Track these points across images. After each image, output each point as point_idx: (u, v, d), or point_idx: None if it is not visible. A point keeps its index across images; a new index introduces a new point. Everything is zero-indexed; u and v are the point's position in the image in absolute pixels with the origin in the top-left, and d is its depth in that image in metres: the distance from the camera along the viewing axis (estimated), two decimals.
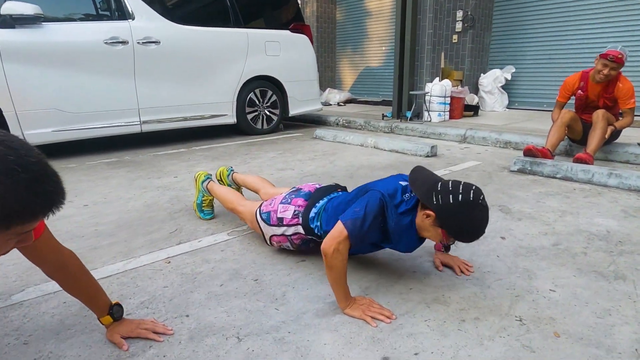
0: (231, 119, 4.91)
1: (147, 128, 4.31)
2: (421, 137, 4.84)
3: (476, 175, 3.08)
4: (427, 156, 3.71)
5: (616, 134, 3.33)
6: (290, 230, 1.69)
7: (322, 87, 9.81)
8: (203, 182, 2.20)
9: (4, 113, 3.53)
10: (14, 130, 3.58)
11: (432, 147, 3.74)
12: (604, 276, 1.58)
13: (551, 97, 6.58)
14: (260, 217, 1.77)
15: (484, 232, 1.32)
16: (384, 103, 8.82)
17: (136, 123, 4.22)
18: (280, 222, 1.70)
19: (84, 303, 1.22)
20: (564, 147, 3.67)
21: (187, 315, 1.36)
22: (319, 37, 9.65)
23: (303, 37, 5.44)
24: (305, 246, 1.73)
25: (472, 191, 1.29)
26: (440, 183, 1.33)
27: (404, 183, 1.46)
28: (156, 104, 4.31)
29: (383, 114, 6.35)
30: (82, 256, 1.74)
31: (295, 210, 1.69)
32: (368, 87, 9.46)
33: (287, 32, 5.29)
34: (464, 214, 1.27)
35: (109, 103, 4.03)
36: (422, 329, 1.28)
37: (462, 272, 1.61)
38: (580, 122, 3.42)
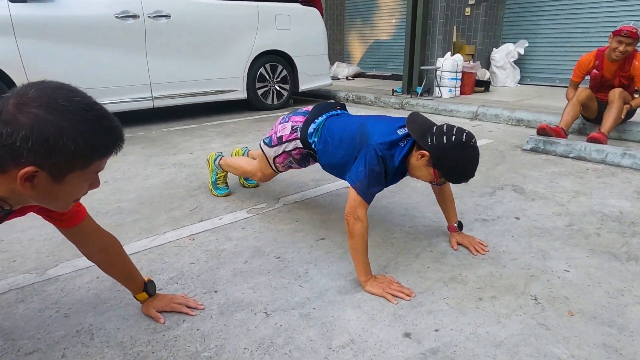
0: (242, 94, 4.90)
1: (159, 103, 4.32)
2: (432, 113, 4.82)
3: (488, 154, 3.09)
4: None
5: (631, 112, 3.31)
6: (290, 146, 1.78)
7: (331, 61, 9.68)
8: (215, 160, 2.29)
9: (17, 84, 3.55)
10: None
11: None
12: (616, 257, 1.63)
13: (565, 72, 6.48)
14: (264, 143, 1.90)
15: (473, 174, 1.41)
16: (393, 77, 8.72)
17: (148, 98, 4.24)
18: (280, 140, 1.81)
19: (119, 282, 1.28)
20: (577, 126, 3.65)
21: (216, 291, 1.43)
22: (328, 9, 9.46)
23: (313, 11, 5.35)
24: (306, 162, 1.85)
25: (464, 133, 1.38)
26: (435, 127, 1.44)
27: (400, 132, 1.50)
28: (168, 79, 4.31)
29: (393, 90, 6.30)
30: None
31: (293, 126, 1.78)
32: (377, 60, 9.33)
33: (298, 5, 5.20)
34: (457, 153, 1.35)
35: (121, 78, 4.04)
36: (441, 306, 1.34)
37: (477, 251, 1.66)
38: (596, 101, 3.39)
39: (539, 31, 6.68)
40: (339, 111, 1.81)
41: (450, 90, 5.94)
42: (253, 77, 4.93)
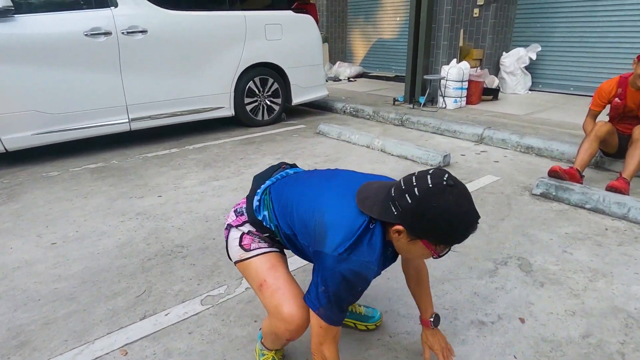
0: (228, 111, 4.56)
1: (136, 126, 4.00)
2: (434, 133, 4.44)
3: (493, 200, 2.73)
4: (439, 166, 3.35)
5: None
6: (244, 228, 1.32)
7: (332, 60, 9.27)
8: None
9: None
10: None
11: (445, 156, 3.37)
12: None
13: (580, 80, 6.02)
14: (228, 255, 1.38)
15: (473, 217, 1.02)
16: (397, 79, 8.30)
17: (124, 121, 3.91)
18: (229, 227, 1.36)
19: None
20: (594, 159, 3.27)
21: None
22: (329, 6, 9.01)
23: (307, 18, 4.95)
24: (286, 245, 1.33)
25: (429, 176, 1.02)
26: (393, 187, 1.08)
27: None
28: (146, 100, 3.98)
29: (394, 99, 5.91)
30: (30, 337, 1.51)
31: (237, 209, 1.36)
32: (380, 60, 8.89)
33: (290, 12, 4.81)
34: (432, 207, 0.99)
35: (94, 101, 3.72)
36: None
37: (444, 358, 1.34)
38: (616, 135, 3.00)
39: (553, 34, 6.20)
40: (288, 170, 1.41)
41: (456, 101, 5.55)
42: (241, 92, 4.58)
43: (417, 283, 1.40)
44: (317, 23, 5.09)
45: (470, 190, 2.85)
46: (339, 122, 5.12)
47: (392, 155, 3.70)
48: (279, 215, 1.25)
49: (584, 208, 2.58)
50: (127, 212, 2.64)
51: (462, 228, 1.00)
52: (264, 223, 1.28)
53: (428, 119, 4.55)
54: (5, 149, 3.43)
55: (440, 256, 1.08)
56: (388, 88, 7.45)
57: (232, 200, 2.77)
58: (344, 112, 5.54)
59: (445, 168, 3.26)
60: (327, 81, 7.39)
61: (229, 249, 1.35)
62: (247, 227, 1.32)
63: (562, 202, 2.67)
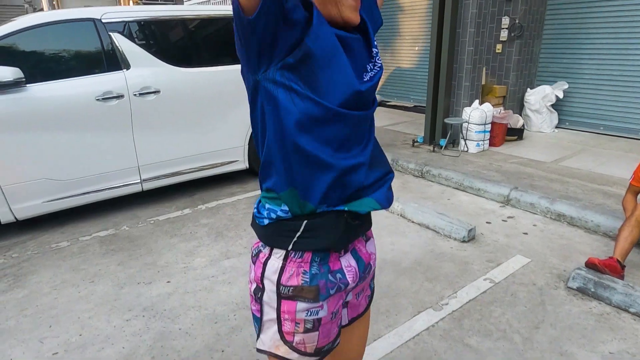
0: (242, 164, 4.44)
1: (148, 186, 3.91)
2: (456, 189, 4.22)
3: (525, 295, 2.52)
4: (463, 241, 3.14)
5: None
6: (268, 272, 0.94)
7: None
8: None
9: None
10: (0, 206, 3.26)
11: (470, 230, 3.16)
12: None
13: (611, 119, 5.72)
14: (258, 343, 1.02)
15: None
16: (416, 109, 8.10)
17: (136, 182, 3.83)
18: (256, 293, 0.98)
19: None
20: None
21: None
22: None
23: None
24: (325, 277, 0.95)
25: None
26: None
27: None
28: (158, 159, 3.89)
29: (414, 140, 5.71)
30: None
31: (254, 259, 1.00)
32: (399, 89, 8.71)
33: None
34: None
35: (105, 164, 3.64)
36: None
37: None
38: None
39: (581, 70, 5.93)
40: None
41: (478, 145, 5.33)
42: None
43: None
44: None
45: (497, 278, 2.66)
46: None
47: (413, 222, 3.50)
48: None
49: (628, 312, 2.34)
50: (134, 306, 2.51)
51: None
52: (276, 215, 0.91)
53: (450, 173, 4.34)
54: (16, 218, 3.37)
55: None
56: (407, 121, 7.27)
57: (243, 290, 2.62)
58: None
59: (469, 244, 3.06)
60: None
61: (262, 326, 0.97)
62: (268, 269, 0.93)
63: (602, 301, 2.43)
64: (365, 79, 0.90)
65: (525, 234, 3.28)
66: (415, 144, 5.70)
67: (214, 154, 4.21)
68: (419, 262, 2.91)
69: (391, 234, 3.33)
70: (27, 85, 3.23)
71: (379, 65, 0.96)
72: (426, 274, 2.76)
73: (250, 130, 4.37)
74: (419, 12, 7.86)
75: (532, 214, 3.62)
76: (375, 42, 0.99)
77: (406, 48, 8.35)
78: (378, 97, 8.66)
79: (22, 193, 3.33)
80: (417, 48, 8.14)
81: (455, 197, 4.05)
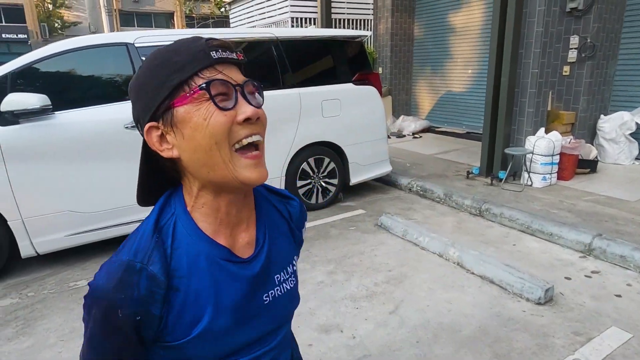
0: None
1: None
2: (523, 232, 3.62)
3: None
4: (539, 303, 2.56)
5: None
6: None
7: (396, 114, 8.69)
8: None
9: (9, 223, 3.02)
10: (21, 239, 3.07)
11: (547, 289, 2.57)
12: None
13: None
14: None
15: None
16: (468, 136, 7.50)
17: None
18: None
19: None
20: None
21: None
22: (393, 57, 8.51)
23: (369, 90, 4.43)
24: None
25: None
26: None
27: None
28: None
29: (468, 172, 5.15)
30: None
31: None
32: (449, 114, 8.15)
33: (350, 85, 4.32)
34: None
35: (132, 196, 3.37)
36: None
37: None
38: None
39: None
40: None
41: (545, 178, 4.68)
42: (293, 175, 4.10)
43: None
44: (381, 93, 4.56)
45: None
46: (403, 204, 4.46)
47: (473, 274, 2.95)
48: None
49: None
50: None
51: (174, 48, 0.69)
52: None
53: (514, 213, 3.75)
54: (37, 252, 3.16)
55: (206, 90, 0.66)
56: (459, 149, 6.69)
57: None
58: (410, 190, 4.87)
59: (546, 307, 2.47)
60: (389, 137, 6.80)
61: None
62: None
63: None
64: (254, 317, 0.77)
65: (618, 296, 2.64)
66: (470, 175, 5.13)
67: None
68: (484, 329, 2.36)
69: (447, 288, 2.80)
70: (54, 112, 3.07)
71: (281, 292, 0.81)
72: (494, 347, 2.21)
73: (289, 159, 4.05)
74: (472, 33, 7.36)
75: (623, 269, 2.96)
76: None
77: (458, 71, 7.83)
78: (426, 123, 8.17)
79: (44, 226, 3.13)
80: (470, 71, 7.61)
81: (522, 242, 3.45)
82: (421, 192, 4.71)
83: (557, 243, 3.38)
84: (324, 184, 4.34)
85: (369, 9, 8.72)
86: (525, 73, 4.81)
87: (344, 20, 8.49)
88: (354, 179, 4.47)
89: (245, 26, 9.67)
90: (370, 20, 8.77)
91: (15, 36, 22.24)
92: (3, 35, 21.63)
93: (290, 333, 0.90)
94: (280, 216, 0.85)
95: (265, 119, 0.72)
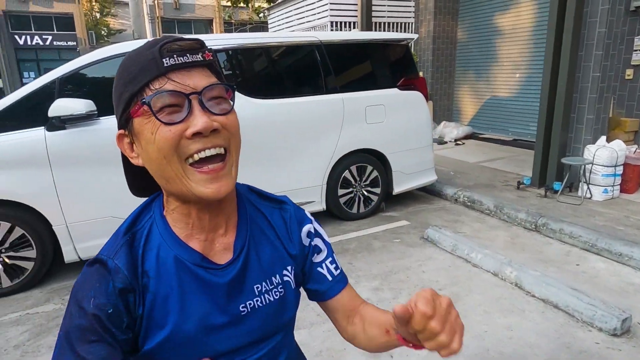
0: (319, 205, 3.94)
1: None
2: (586, 250, 3.31)
3: None
4: (614, 334, 2.28)
5: None
6: None
7: (437, 120, 8.40)
8: None
9: (53, 227, 3.03)
10: (65, 244, 3.07)
11: (624, 319, 2.29)
12: None
13: None
14: None
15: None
16: (515, 143, 7.13)
17: None
18: None
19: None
20: None
21: None
22: (435, 61, 8.24)
23: (415, 95, 4.23)
24: None
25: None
26: None
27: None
28: None
29: (519, 182, 4.84)
30: None
31: None
32: (494, 121, 7.79)
33: (395, 90, 4.14)
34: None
35: None
36: None
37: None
38: None
39: None
40: None
41: (606, 191, 4.32)
42: (334, 183, 3.95)
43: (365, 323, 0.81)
44: (427, 98, 4.34)
45: None
46: (450, 216, 4.22)
47: (534, 297, 2.69)
48: None
49: None
50: None
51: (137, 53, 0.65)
52: None
53: (576, 229, 3.44)
54: (80, 257, 3.16)
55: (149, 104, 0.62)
56: (505, 157, 6.35)
57: None
58: (456, 200, 4.61)
59: (625, 337, 2.20)
60: None
61: None
62: None
63: None
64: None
65: None
66: (521, 186, 4.81)
67: (289, 194, 3.76)
68: (548, 348, 2.12)
69: (505, 312, 2.56)
70: (100, 117, 3.06)
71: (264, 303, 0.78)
72: None
73: (330, 167, 3.91)
74: (521, 34, 6.99)
75: None
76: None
77: (504, 75, 7.47)
78: (468, 129, 7.84)
79: (87, 231, 3.12)
80: (517, 75, 7.23)
81: (587, 262, 3.15)
82: (468, 204, 4.45)
83: (627, 265, 3.05)
84: (366, 193, 4.17)
85: (411, 12, 8.49)
86: (585, 77, 4.46)
87: (384, 23, 8.30)
88: (398, 188, 4.27)
89: (284, 31, 9.65)
90: (412, 23, 8.53)
91: (65, 43, 23.33)
92: (54, 43, 22.74)
93: (289, 347, 0.85)
94: (268, 224, 0.81)
95: (233, 126, 0.67)
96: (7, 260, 2.98)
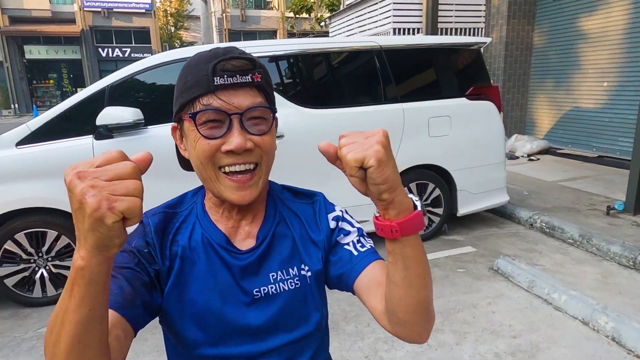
0: (370, 226, 3.59)
1: None
2: None
3: None
4: None
5: None
6: None
7: (508, 133, 7.70)
8: None
9: None
10: None
11: None
12: None
13: None
14: None
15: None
16: (601, 161, 6.30)
17: None
18: None
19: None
20: None
21: None
22: (508, 68, 7.58)
23: (486, 105, 3.77)
24: None
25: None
26: None
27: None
28: None
29: (609, 207, 4.16)
30: None
31: None
32: (575, 134, 6.98)
33: (463, 100, 3.71)
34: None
35: None
36: None
37: None
38: None
39: None
40: None
41: None
42: None
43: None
44: (500, 109, 3.86)
45: None
46: (524, 244, 3.68)
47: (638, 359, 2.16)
48: None
49: None
50: None
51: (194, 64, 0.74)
52: None
53: None
54: None
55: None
56: (590, 176, 5.59)
57: None
58: (531, 225, 4.04)
59: None
60: None
61: None
62: None
63: None
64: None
65: None
66: (612, 211, 4.13)
67: None
68: None
69: None
70: (147, 127, 2.96)
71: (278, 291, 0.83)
72: None
73: None
74: (611, 38, 6.19)
75: None
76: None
77: (588, 84, 6.66)
78: (544, 143, 7.09)
79: None
80: (605, 84, 6.41)
81: None
82: (547, 230, 3.87)
83: None
84: (426, 213, 3.76)
85: (481, 16, 7.92)
86: None
87: (451, 29, 7.80)
88: (463, 210, 3.81)
89: (340, 36, 9.45)
90: (481, 29, 7.95)
91: (141, 55, 24.95)
92: (132, 55, 24.41)
93: (315, 356, 0.86)
94: (297, 220, 0.87)
95: (266, 146, 0.76)
96: (52, 268, 2.95)
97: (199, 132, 0.72)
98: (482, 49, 3.90)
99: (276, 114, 0.78)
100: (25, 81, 23.79)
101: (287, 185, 0.94)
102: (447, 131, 3.63)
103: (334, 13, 10.81)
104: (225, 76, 0.70)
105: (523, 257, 3.37)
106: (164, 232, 0.81)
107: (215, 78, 0.70)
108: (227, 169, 0.73)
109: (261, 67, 0.74)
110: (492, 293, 2.86)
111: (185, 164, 0.87)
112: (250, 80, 0.72)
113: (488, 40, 3.91)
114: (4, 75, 22.48)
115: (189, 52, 3.13)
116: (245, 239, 0.82)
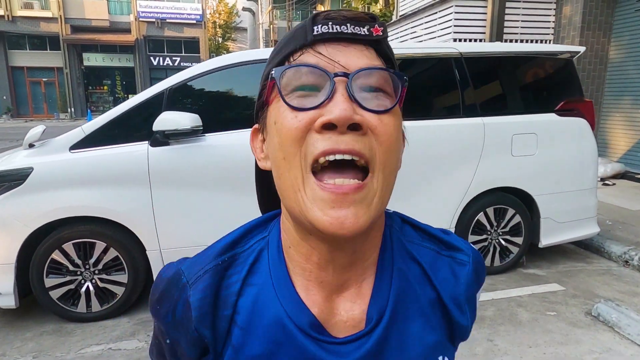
0: None
1: None
2: None
3: None
4: None
5: None
6: None
7: None
8: None
9: (147, 252, 2.74)
10: (156, 269, 2.76)
11: None
12: None
13: None
14: None
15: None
16: None
17: None
18: None
19: None
20: None
21: None
22: None
23: (578, 122, 3.31)
24: None
25: None
26: None
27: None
28: None
29: None
30: None
31: None
32: None
33: (552, 116, 3.27)
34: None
35: None
36: None
37: None
38: None
39: None
40: None
41: None
42: (464, 227, 3.18)
43: None
44: (593, 127, 3.39)
45: None
46: (622, 285, 3.15)
47: None
48: None
49: None
50: None
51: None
52: None
53: None
54: None
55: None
56: None
57: None
58: (627, 262, 3.50)
59: None
60: None
61: None
62: None
63: None
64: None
65: None
66: None
67: None
68: None
69: None
70: (205, 134, 2.73)
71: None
72: None
73: (462, 207, 3.16)
74: None
75: None
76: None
77: None
78: (619, 166, 6.42)
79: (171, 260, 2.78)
80: None
81: None
82: None
83: None
84: (503, 242, 3.31)
85: (549, 27, 7.36)
86: None
87: (516, 40, 7.29)
88: (546, 240, 3.34)
89: (410, 42, 9.11)
90: (550, 40, 7.38)
91: (190, 64, 25.69)
92: (181, 64, 25.13)
93: None
94: (425, 279, 0.53)
95: (386, 133, 0.45)
96: (99, 282, 2.75)
97: (283, 98, 0.45)
98: (574, 59, 3.45)
99: (405, 87, 0.48)
100: (82, 87, 24.96)
101: (405, 216, 0.59)
102: (533, 150, 3.19)
103: (387, 23, 10.53)
104: (330, 23, 0.46)
105: (625, 301, 2.86)
106: (216, 305, 0.51)
107: (315, 27, 0.46)
108: (321, 160, 0.44)
109: (382, 25, 0.48)
110: (596, 346, 2.39)
111: (267, 202, 0.61)
112: (366, 32, 0.46)
113: (582, 49, 3.46)
114: (63, 81, 23.72)
115: (263, 53, 2.89)
116: (347, 318, 0.50)
